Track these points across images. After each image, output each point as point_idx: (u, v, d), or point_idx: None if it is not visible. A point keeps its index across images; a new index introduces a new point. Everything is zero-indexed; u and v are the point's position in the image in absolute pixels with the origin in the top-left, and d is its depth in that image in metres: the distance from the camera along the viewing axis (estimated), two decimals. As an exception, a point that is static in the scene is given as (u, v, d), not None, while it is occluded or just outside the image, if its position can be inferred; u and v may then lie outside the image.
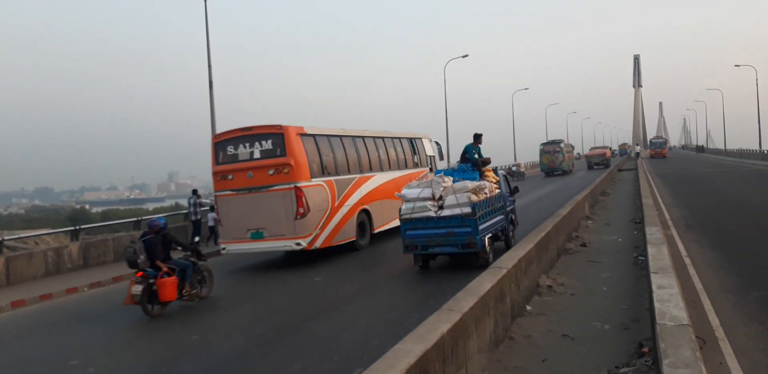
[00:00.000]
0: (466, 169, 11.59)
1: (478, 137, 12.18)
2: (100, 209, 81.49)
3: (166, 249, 9.06)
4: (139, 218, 17.19)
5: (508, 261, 6.90)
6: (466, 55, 42.78)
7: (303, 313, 8.22)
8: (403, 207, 10.26)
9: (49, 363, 7.02)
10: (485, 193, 10.54)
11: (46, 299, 10.96)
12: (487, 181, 11.31)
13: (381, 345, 5.53)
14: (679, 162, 57.89)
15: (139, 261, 8.65)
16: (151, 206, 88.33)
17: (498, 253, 9.25)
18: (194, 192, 17.44)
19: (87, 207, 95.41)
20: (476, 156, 11.96)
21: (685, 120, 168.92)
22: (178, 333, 7.96)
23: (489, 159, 12.26)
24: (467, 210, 9.76)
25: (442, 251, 10.10)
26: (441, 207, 9.98)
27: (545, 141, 47.19)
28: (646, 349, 5.18)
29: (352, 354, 6.04)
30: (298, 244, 11.82)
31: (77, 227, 15.40)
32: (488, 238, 10.36)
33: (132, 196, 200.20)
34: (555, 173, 44.11)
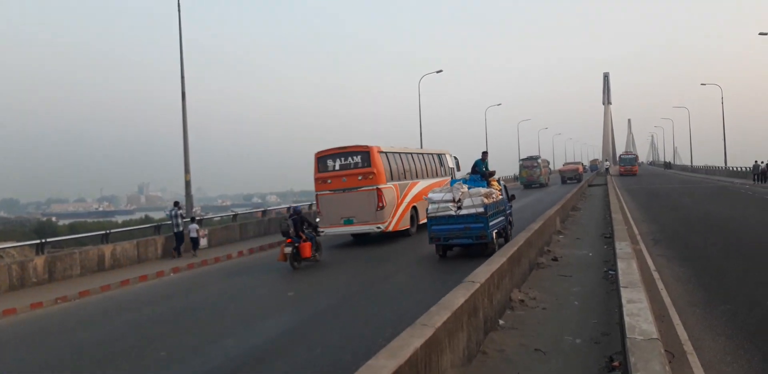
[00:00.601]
0: (476, 179, 14.26)
1: (485, 154, 15.40)
2: (67, 221, 79.45)
3: (302, 225, 13.40)
4: (108, 231, 16.79)
5: (481, 275, 6.92)
6: (440, 71, 43.21)
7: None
8: (430, 207, 12.89)
9: None
10: (493, 198, 13.12)
11: (10, 314, 10.63)
12: (493, 188, 13.86)
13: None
14: (647, 178, 59.06)
15: (290, 231, 13.29)
16: (120, 218, 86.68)
17: (499, 247, 11.32)
18: (176, 204, 17.25)
19: (54, 219, 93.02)
20: (484, 169, 14.87)
21: (652, 136, 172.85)
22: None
23: (494, 171, 15.18)
24: (481, 210, 12.34)
25: (460, 242, 12.65)
26: (459, 208, 12.51)
27: (519, 156, 49.43)
28: (616, 363, 5.23)
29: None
30: (378, 228, 16.59)
31: (43, 240, 14.99)
32: (495, 233, 12.80)
33: (101, 208, 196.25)
34: (533, 186, 46.76)
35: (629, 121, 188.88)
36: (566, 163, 67.48)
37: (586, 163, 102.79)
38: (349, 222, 16.62)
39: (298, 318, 8.77)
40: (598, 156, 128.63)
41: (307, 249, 13.24)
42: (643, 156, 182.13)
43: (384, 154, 17.37)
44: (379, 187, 16.53)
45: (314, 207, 24.87)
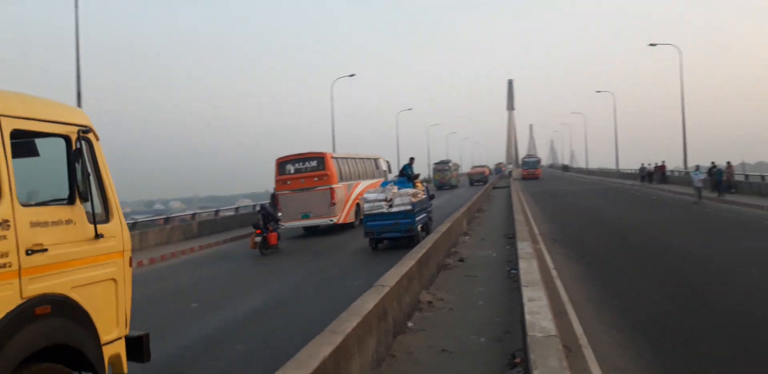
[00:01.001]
0: (403, 181, 16.71)
1: (412, 160, 18.13)
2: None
3: (269, 219, 16.03)
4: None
5: (390, 278, 6.98)
6: (353, 75, 43.24)
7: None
8: (365, 206, 14.90)
9: None
10: (418, 197, 15.46)
11: None
12: (418, 189, 16.25)
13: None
14: (548, 180, 62.12)
15: (260, 224, 15.79)
16: None
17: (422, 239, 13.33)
18: None
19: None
20: (410, 172, 17.39)
21: (552, 141, 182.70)
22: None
23: (419, 174, 18.08)
24: (408, 207, 14.45)
25: (391, 236, 14.70)
26: (391, 206, 14.50)
27: (429, 159, 53.89)
28: (518, 360, 5.43)
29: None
30: (331, 220, 19.71)
31: None
32: (420, 227, 15.08)
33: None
34: (445, 187, 50.79)
35: (531, 126, 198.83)
36: (474, 167, 73.22)
37: (492, 166, 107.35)
38: (306, 216, 19.64)
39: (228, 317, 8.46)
40: (503, 159, 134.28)
41: (273, 238, 16.01)
42: (544, 159, 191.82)
43: (335, 159, 20.64)
44: (332, 186, 19.64)
45: (221, 214, 24.69)
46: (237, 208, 27.20)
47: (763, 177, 26.26)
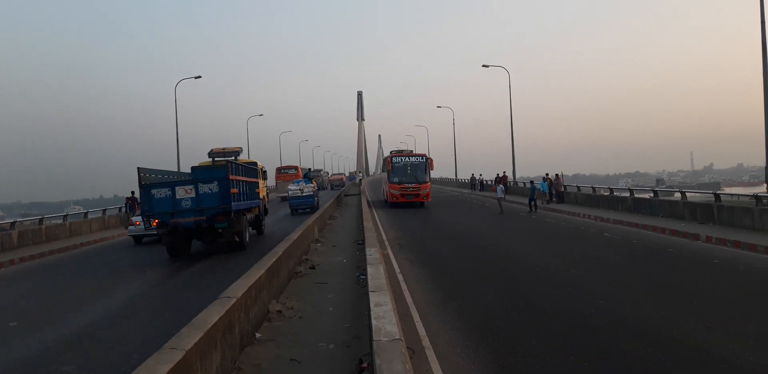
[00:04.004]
0: (307, 180, 31.80)
1: (310, 169, 50.69)
2: None
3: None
4: None
5: (237, 289, 6.75)
6: (199, 77, 41.43)
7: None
8: (289, 192, 30.95)
9: None
10: (315, 189, 31.69)
11: None
12: (314, 185, 32.07)
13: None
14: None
15: None
16: None
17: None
18: None
19: None
20: (310, 176, 35.14)
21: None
22: None
23: (314, 176, 40.07)
24: (311, 193, 30.70)
25: (302, 209, 30.11)
26: (302, 192, 30.35)
27: (281, 165, 58.84)
28: (365, 365, 5.54)
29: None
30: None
31: None
32: (317, 203, 30.62)
33: None
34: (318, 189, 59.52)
35: (380, 136, 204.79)
36: (333, 174, 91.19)
37: (347, 173, 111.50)
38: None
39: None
40: (355, 168, 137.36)
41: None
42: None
43: (300, 168, 49.51)
44: (300, 179, 34.37)
45: (46, 222, 22.48)
46: (65, 216, 24.68)
47: (578, 187, 29.50)
